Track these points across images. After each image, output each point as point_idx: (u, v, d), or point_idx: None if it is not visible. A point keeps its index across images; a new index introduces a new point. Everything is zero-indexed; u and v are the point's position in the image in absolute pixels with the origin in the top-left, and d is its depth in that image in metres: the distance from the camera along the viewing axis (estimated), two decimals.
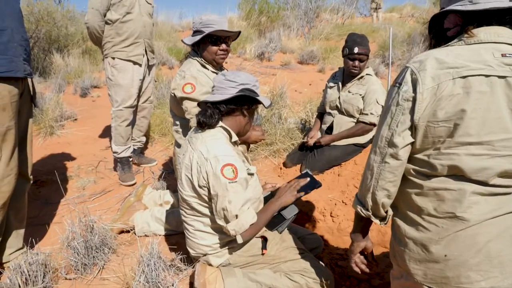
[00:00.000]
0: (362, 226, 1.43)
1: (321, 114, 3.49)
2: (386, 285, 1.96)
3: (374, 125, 3.10)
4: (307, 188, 1.94)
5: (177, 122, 2.38)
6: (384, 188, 1.23)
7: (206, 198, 1.70)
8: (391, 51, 3.38)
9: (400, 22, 12.20)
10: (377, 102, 3.06)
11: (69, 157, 3.87)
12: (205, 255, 1.78)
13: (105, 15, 3.09)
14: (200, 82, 2.16)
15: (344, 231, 2.66)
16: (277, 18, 12.07)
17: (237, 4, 13.15)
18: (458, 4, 1.16)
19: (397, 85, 1.17)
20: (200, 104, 1.81)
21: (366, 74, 3.14)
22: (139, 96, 3.39)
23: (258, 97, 1.73)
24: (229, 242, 1.76)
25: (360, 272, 1.54)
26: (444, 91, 1.05)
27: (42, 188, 3.21)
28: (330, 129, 3.28)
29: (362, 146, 3.18)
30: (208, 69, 2.26)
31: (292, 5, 12.51)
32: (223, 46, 2.24)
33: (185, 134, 2.33)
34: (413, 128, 1.13)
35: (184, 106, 2.18)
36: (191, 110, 2.15)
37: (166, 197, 2.63)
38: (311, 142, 3.24)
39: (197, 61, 2.27)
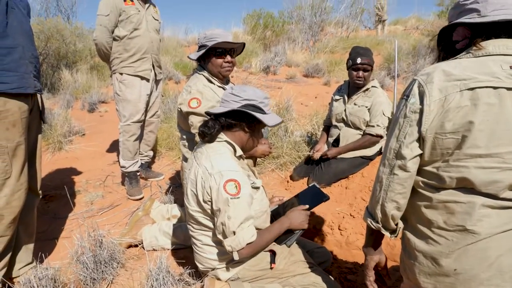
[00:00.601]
0: (373, 239, 1.42)
1: (327, 127, 3.50)
2: None
3: (380, 137, 3.10)
4: (314, 202, 1.93)
5: (184, 136, 2.40)
6: (393, 200, 1.23)
7: (210, 213, 1.70)
8: (397, 64, 3.39)
9: (405, 35, 12.26)
10: (383, 114, 3.07)
11: (77, 172, 3.91)
12: (213, 269, 1.78)
13: (113, 32, 3.15)
14: (205, 97, 2.18)
15: (353, 245, 2.64)
16: (282, 32, 12.19)
17: (242, 19, 13.35)
18: (466, 17, 1.17)
19: (405, 97, 1.18)
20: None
21: (372, 86, 3.16)
22: (146, 111, 3.43)
23: (258, 115, 1.69)
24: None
25: None
26: (451, 103, 1.06)
27: (51, 203, 3.24)
28: (336, 142, 3.28)
29: (369, 158, 3.17)
30: (214, 84, 2.29)
31: (297, 19, 12.65)
32: (228, 58, 2.25)
33: (191, 148, 2.34)
34: (420, 140, 1.14)
35: (190, 121, 2.20)
36: (197, 124, 2.17)
37: (174, 211, 2.63)
38: (317, 155, 3.25)
39: (203, 76, 2.29)
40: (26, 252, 2.16)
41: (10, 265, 2.06)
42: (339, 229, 2.75)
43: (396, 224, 1.30)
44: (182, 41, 13.45)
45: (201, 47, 2.24)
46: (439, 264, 1.14)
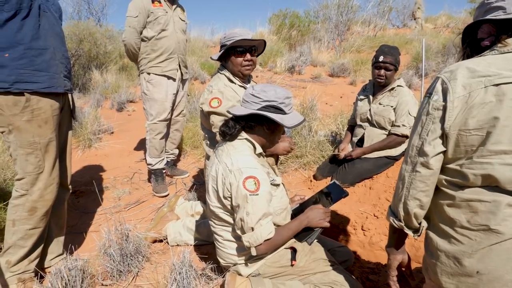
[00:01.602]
0: (396, 238, 1.40)
1: (352, 126, 3.46)
2: None
3: (406, 137, 3.04)
4: (334, 198, 1.93)
5: (207, 135, 2.44)
6: (415, 197, 1.21)
7: (230, 208, 1.73)
8: (424, 62, 3.32)
9: (435, 33, 11.92)
10: (409, 113, 3.00)
11: (106, 169, 4.04)
12: (234, 264, 1.80)
13: (141, 33, 3.24)
14: (226, 96, 2.21)
15: (376, 245, 2.61)
16: (307, 32, 12.12)
17: (268, 19, 13.37)
18: (492, 15, 1.17)
19: (428, 95, 1.17)
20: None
21: (398, 86, 3.10)
22: (172, 110, 3.50)
23: (277, 117, 1.67)
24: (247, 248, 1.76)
25: None
26: (475, 99, 1.05)
27: (81, 198, 3.36)
28: (361, 142, 3.25)
29: (394, 158, 3.11)
30: (235, 84, 2.31)
31: (323, 19, 12.55)
32: (248, 56, 2.24)
33: (212, 146, 2.38)
34: (444, 137, 1.13)
35: (211, 120, 2.23)
36: (218, 124, 2.20)
37: (197, 208, 2.68)
38: (342, 155, 3.22)
39: (225, 75, 2.32)
40: (57, 244, 2.26)
41: (42, 256, 2.17)
42: (362, 229, 2.72)
43: (420, 223, 1.28)
44: (208, 41, 13.61)
45: (222, 47, 2.27)
46: (461, 264, 1.12)
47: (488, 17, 1.17)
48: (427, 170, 1.17)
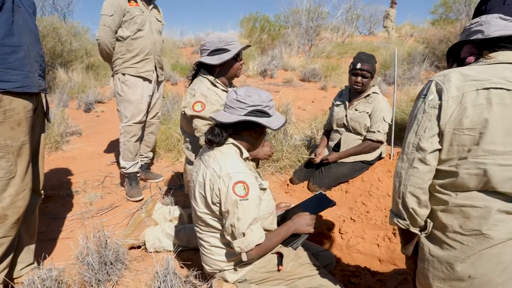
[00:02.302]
0: (406, 239, 1.40)
1: (328, 131, 3.52)
2: None
3: (381, 142, 3.13)
4: (320, 207, 1.96)
5: (188, 139, 2.39)
6: (413, 194, 1.23)
7: (219, 214, 1.71)
8: (396, 70, 3.43)
9: (400, 41, 12.40)
10: (384, 120, 3.10)
11: (75, 172, 3.88)
12: (221, 271, 1.78)
13: (116, 32, 3.14)
14: (210, 100, 2.19)
15: (353, 248, 2.66)
16: (278, 36, 12.23)
17: (239, 22, 13.38)
18: (472, 38, 1.29)
19: (422, 96, 1.23)
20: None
21: (373, 92, 3.19)
22: (147, 112, 3.42)
23: (264, 121, 1.70)
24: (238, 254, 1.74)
25: None
26: (468, 100, 1.12)
27: (48, 203, 3.20)
28: (337, 146, 3.31)
29: (369, 163, 3.20)
30: (218, 88, 2.30)
31: (293, 24, 12.71)
32: (242, 60, 2.33)
33: (194, 150, 2.34)
34: (440, 135, 1.17)
35: (194, 124, 2.20)
36: (201, 128, 2.18)
37: (176, 213, 2.62)
38: (317, 159, 3.27)
39: (208, 79, 2.30)
40: (27, 253, 2.13)
41: (12, 265, 2.04)
42: (339, 232, 2.77)
43: (426, 221, 1.28)
44: (178, 42, 13.45)
45: (218, 50, 2.23)
46: (454, 269, 1.16)
47: (467, 39, 1.30)
48: (425, 166, 1.20)
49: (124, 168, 3.31)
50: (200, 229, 1.80)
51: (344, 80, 7.85)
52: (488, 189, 1.12)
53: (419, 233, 1.30)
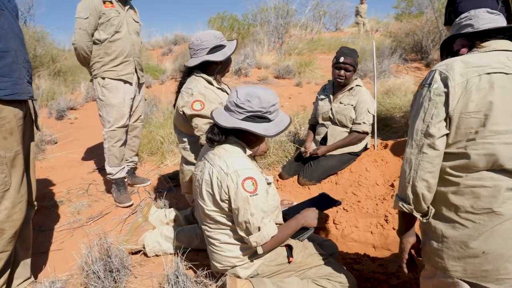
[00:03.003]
0: (407, 223, 1.45)
1: (313, 125, 3.58)
2: (404, 284, 2.03)
3: (367, 133, 3.23)
4: (325, 207, 2.00)
5: (185, 140, 2.37)
6: (423, 178, 1.28)
7: (227, 210, 1.72)
8: (375, 63, 3.54)
9: (366, 36, 12.74)
10: (368, 111, 3.19)
11: (56, 182, 3.75)
12: (233, 267, 1.79)
13: (92, 35, 3.06)
14: (208, 99, 2.19)
15: (348, 237, 2.73)
16: (248, 35, 12.26)
17: (207, 21, 13.30)
18: (463, 32, 1.38)
19: (427, 85, 1.30)
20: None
21: (356, 85, 3.28)
22: (130, 115, 3.35)
23: (259, 130, 1.66)
24: (255, 252, 1.76)
25: (407, 273, 1.53)
26: (472, 85, 1.20)
27: (34, 215, 3.06)
28: (324, 140, 3.37)
29: (356, 154, 3.29)
30: (214, 86, 2.30)
31: (262, 22, 12.77)
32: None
33: (193, 151, 2.32)
34: (447, 120, 1.24)
35: (194, 123, 2.19)
36: (202, 126, 2.17)
37: (172, 216, 2.60)
38: (308, 154, 3.31)
39: (202, 78, 2.29)
40: (23, 267, 2.05)
41: (8, 281, 1.95)
42: (334, 223, 2.83)
43: (428, 207, 1.34)
44: (146, 44, 13.23)
45: (217, 47, 2.25)
46: (468, 246, 1.23)
47: (458, 33, 1.39)
48: (434, 151, 1.26)
49: (110, 174, 3.23)
50: (209, 227, 1.80)
51: (318, 76, 7.99)
52: (496, 168, 1.19)
53: (421, 218, 1.35)
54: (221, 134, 1.72)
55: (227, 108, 1.73)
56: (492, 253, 1.20)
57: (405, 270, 1.51)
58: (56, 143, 4.86)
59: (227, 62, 2.34)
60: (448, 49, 1.45)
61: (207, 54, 2.25)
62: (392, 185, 3.00)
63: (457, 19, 1.42)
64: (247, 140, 1.79)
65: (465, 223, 1.24)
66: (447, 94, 1.22)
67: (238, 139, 1.78)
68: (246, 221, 1.63)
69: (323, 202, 2.03)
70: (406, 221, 1.45)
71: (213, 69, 2.31)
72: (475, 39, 1.34)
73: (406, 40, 9.09)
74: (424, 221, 1.35)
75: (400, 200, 1.38)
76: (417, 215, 1.35)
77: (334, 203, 2.01)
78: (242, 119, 1.67)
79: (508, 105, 1.17)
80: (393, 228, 2.64)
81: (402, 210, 1.38)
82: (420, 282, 1.52)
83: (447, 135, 1.26)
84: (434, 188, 1.30)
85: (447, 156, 1.28)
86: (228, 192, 1.65)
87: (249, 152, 1.80)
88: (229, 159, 1.68)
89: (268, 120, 1.70)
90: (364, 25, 13.76)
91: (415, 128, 1.31)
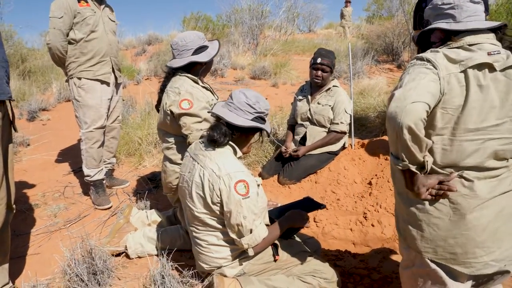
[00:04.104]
0: (408, 178, 1.34)
1: (292, 126, 3.64)
2: (385, 278, 2.11)
3: (344, 133, 3.32)
4: (310, 209, 2.06)
5: (171, 140, 2.35)
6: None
7: (218, 213, 1.73)
8: (351, 63, 3.64)
9: (339, 38, 13.00)
10: (346, 111, 3.29)
11: (30, 185, 3.63)
12: (219, 267, 1.80)
13: (67, 35, 3.00)
14: (196, 97, 2.19)
15: (328, 235, 2.80)
16: (222, 35, 12.24)
17: (181, 21, 13.19)
18: (443, 21, 1.38)
19: (420, 64, 1.30)
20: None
21: (333, 86, 3.36)
22: (107, 116, 3.30)
23: (267, 127, 1.81)
24: (243, 253, 1.79)
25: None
26: (453, 81, 1.24)
27: None
28: (303, 139, 3.44)
29: (335, 153, 3.38)
30: (199, 84, 2.31)
31: (236, 23, 12.79)
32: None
33: (180, 150, 2.32)
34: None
35: (182, 122, 2.19)
36: (190, 125, 2.17)
37: (153, 217, 2.59)
38: (288, 154, 3.36)
39: (187, 77, 2.29)
40: (1, 273, 1.99)
41: None
42: (314, 221, 2.89)
43: (424, 157, 1.26)
44: (119, 44, 12.93)
45: (202, 48, 2.26)
46: (440, 229, 1.34)
47: (440, 24, 1.38)
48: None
49: (88, 176, 3.17)
50: (197, 228, 1.81)
51: (293, 77, 8.08)
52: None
53: (418, 172, 1.28)
54: (228, 136, 1.74)
55: (234, 108, 1.75)
56: (462, 237, 1.29)
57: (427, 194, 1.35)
58: (28, 145, 4.70)
59: (210, 62, 2.37)
60: (424, 40, 1.46)
61: (192, 55, 2.26)
62: (370, 183, 3.10)
63: (439, 3, 1.37)
64: (242, 141, 1.83)
65: (438, 207, 1.32)
66: (439, 79, 1.24)
67: (233, 140, 1.80)
68: (238, 223, 1.65)
69: (308, 205, 2.07)
70: (407, 177, 1.34)
71: (197, 69, 2.31)
72: (451, 34, 1.34)
73: (378, 42, 9.34)
74: (423, 173, 1.29)
75: (394, 159, 1.30)
76: (412, 168, 1.26)
77: (318, 206, 2.07)
78: (251, 119, 1.74)
79: (482, 102, 1.23)
80: (372, 225, 2.73)
81: (398, 168, 1.30)
82: (399, 273, 1.60)
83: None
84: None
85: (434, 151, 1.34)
86: (221, 195, 1.66)
87: (239, 154, 1.83)
88: (221, 161, 1.70)
89: (265, 121, 1.82)
90: (349, 28, 13.77)
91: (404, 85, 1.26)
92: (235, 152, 1.81)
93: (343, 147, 3.44)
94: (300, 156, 3.29)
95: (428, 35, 1.45)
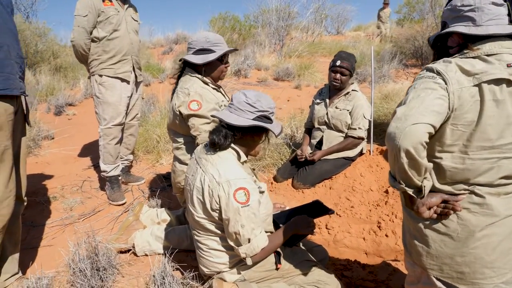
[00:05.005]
0: (407, 197, 1.32)
1: (309, 129, 3.58)
2: None
3: (362, 139, 3.22)
4: (318, 213, 1.99)
5: (180, 140, 2.35)
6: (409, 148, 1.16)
7: (218, 219, 1.70)
8: (374, 68, 3.54)
9: (367, 41, 12.75)
10: (364, 116, 3.19)
11: (51, 177, 3.73)
12: (219, 272, 1.78)
13: (91, 33, 3.06)
14: (205, 99, 2.18)
15: (340, 243, 2.72)
16: (249, 36, 12.26)
17: (209, 21, 13.29)
18: (462, 25, 1.26)
19: (429, 76, 1.22)
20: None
21: (352, 90, 3.27)
22: (126, 114, 3.34)
23: (272, 127, 1.71)
24: (242, 260, 1.74)
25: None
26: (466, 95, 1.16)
27: (26, 210, 3.03)
28: (319, 144, 3.37)
29: (351, 159, 3.28)
30: (209, 86, 2.30)
31: (263, 23, 12.78)
32: (228, 63, 2.35)
33: (189, 150, 2.31)
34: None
35: (190, 123, 2.18)
36: (199, 126, 2.16)
37: (163, 215, 2.59)
38: (303, 157, 3.30)
39: (197, 78, 2.29)
40: (11, 263, 2.04)
41: None
42: (326, 228, 2.82)
43: (421, 182, 1.21)
44: (147, 43, 13.22)
45: (203, 50, 2.22)
46: (447, 247, 1.27)
47: (458, 27, 1.27)
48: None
49: (105, 171, 3.22)
50: (198, 232, 1.79)
51: (317, 79, 7.98)
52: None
53: (415, 195, 1.22)
54: (229, 138, 1.69)
55: (234, 109, 1.71)
56: (470, 256, 1.20)
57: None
58: (53, 138, 4.85)
59: (211, 66, 2.28)
60: (441, 44, 1.36)
61: (191, 54, 2.26)
62: (387, 191, 2.99)
63: (459, 4, 1.27)
64: (247, 143, 1.77)
65: (445, 222, 1.24)
66: (448, 94, 1.16)
67: (236, 143, 1.75)
68: (236, 232, 1.62)
69: (316, 209, 2.00)
70: (406, 197, 1.32)
71: (199, 70, 2.30)
72: (468, 41, 1.24)
73: (407, 46, 9.09)
74: (420, 198, 1.24)
75: (392, 180, 1.28)
76: (409, 191, 1.22)
77: (327, 211, 1.97)
78: (253, 119, 1.67)
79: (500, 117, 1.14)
80: (386, 235, 2.64)
81: (395, 188, 1.28)
82: None
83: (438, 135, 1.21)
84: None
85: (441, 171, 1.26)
86: (219, 202, 1.63)
87: (244, 158, 1.78)
88: (222, 168, 1.66)
89: (271, 121, 1.74)
90: (385, 30, 13.19)
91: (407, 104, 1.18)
92: (239, 157, 1.76)
93: (361, 153, 3.35)
94: (316, 160, 3.22)
95: (445, 39, 1.35)
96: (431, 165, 1.19)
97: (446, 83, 1.16)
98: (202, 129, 2.15)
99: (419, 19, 12.08)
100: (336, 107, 3.27)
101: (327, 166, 3.23)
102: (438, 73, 1.19)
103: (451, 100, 1.15)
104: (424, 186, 1.20)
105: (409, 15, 14.02)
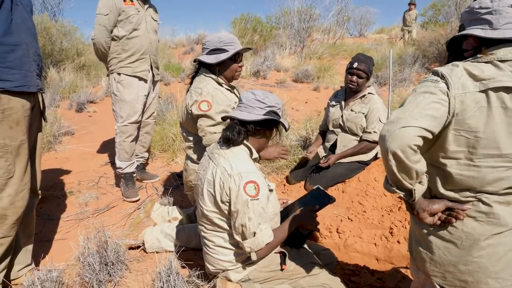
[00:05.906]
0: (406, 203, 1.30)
1: (323, 132, 3.54)
2: None
3: (377, 143, 3.16)
4: (321, 204, 1.95)
5: (191, 138, 2.38)
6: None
7: (227, 213, 1.71)
8: (391, 72, 3.48)
9: (390, 43, 12.54)
10: (380, 120, 3.13)
11: (69, 173, 3.83)
12: (224, 270, 1.78)
13: (111, 32, 3.13)
14: (216, 100, 2.19)
15: (351, 247, 2.68)
16: (270, 37, 12.27)
17: (231, 22, 13.36)
18: (479, 27, 1.22)
19: (432, 80, 1.20)
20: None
21: (368, 93, 3.22)
22: (143, 112, 3.40)
23: (283, 122, 1.79)
24: (248, 258, 1.75)
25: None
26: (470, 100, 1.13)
27: (43, 204, 3.15)
28: (333, 147, 3.33)
29: (365, 163, 3.23)
30: (223, 87, 2.31)
31: (284, 25, 12.76)
32: (242, 63, 2.35)
33: (197, 150, 2.33)
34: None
35: (198, 123, 2.20)
36: (204, 128, 2.18)
37: (174, 213, 2.61)
38: (310, 156, 3.29)
39: (212, 78, 2.30)
40: (25, 254, 2.11)
41: (9, 267, 2.01)
42: (337, 232, 2.79)
43: (414, 185, 1.18)
44: (170, 43, 13.41)
45: (216, 50, 2.23)
46: (451, 254, 1.23)
47: (475, 30, 1.22)
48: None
49: (120, 168, 3.28)
50: (205, 227, 1.80)
51: (337, 81, 7.90)
52: None
53: (406, 198, 1.22)
54: (242, 134, 1.73)
55: (244, 107, 1.75)
56: (473, 265, 1.17)
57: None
58: (73, 134, 4.97)
59: (224, 66, 2.29)
60: (456, 47, 1.33)
61: (205, 54, 2.27)
62: (400, 197, 2.93)
63: (476, 6, 1.23)
64: (259, 140, 1.81)
65: (450, 229, 1.21)
66: (449, 99, 1.14)
67: (249, 140, 1.79)
68: (243, 224, 1.63)
69: (319, 200, 1.96)
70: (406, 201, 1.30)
71: (213, 70, 2.31)
72: (482, 44, 1.20)
73: (430, 49, 8.88)
74: (411, 202, 1.22)
75: (386, 183, 1.27)
76: (400, 193, 1.22)
77: (329, 199, 1.94)
78: (264, 114, 1.73)
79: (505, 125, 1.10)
80: (398, 242, 2.58)
81: (388, 191, 1.28)
82: None
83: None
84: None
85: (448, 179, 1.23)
86: (230, 194, 1.65)
87: (255, 155, 1.81)
88: (234, 161, 1.70)
89: (279, 116, 1.79)
90: (409, 33, 12.83)
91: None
92: (251, 154, 1.78)
93: (375, 157, 3.29)
94: (331, 164, 3.18)
95: (461, 41, 1.31)
96: (423, 169, 1.15)
97: (448, 88, 1.14)
98: (207, 131, 2.17)
99: (444, 22, 11.80)
100: (352, 110, 3.23)
101: (341, 170, 3.19)
102: (443, 77, 1.17)
103: (451, 104, 1.12)
104: (415, 190, 1.18)
105: (434, 18, 13.71)
